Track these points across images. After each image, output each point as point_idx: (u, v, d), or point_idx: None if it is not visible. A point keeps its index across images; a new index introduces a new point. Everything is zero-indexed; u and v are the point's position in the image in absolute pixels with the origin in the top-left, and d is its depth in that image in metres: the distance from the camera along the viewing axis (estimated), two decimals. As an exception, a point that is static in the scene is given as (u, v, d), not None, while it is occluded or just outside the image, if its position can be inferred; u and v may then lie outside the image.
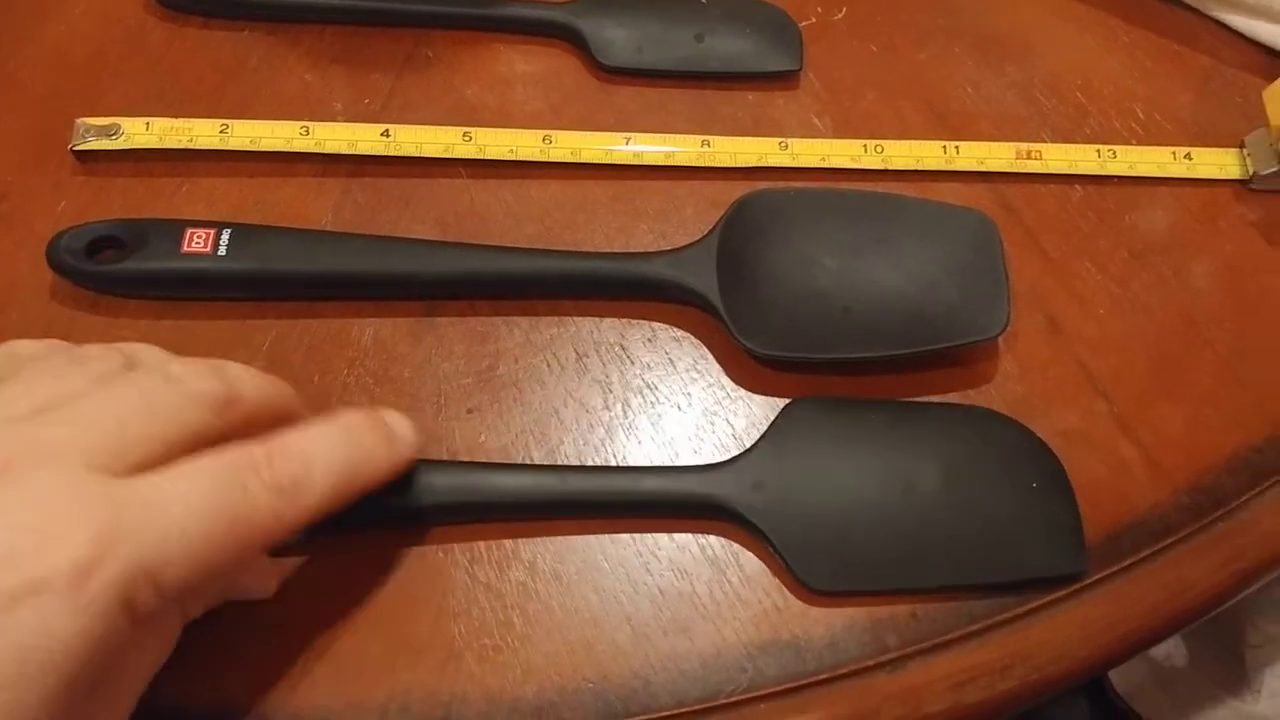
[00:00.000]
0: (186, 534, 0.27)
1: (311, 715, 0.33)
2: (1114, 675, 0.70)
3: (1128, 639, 0.37)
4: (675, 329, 0.41)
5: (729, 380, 0.40)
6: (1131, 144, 0.45)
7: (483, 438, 0.38)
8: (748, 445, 0.38)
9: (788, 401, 0.39)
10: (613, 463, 0.38)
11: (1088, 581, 0.37)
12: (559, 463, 0.38)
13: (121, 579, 0.25)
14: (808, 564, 0.36)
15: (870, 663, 0.35)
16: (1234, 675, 0.65)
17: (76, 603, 0.25)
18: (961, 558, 0.36)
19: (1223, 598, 0.38)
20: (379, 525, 0.36)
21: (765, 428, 0.38)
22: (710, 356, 0.41)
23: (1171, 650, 0.70)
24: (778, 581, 0.36)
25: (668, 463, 0.38)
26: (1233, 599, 0.38)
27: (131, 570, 0.26)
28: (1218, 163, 0.45)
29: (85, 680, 0.25)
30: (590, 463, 0.38)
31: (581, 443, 0.39)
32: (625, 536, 0.37)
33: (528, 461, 0.38)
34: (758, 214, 0.41)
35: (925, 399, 0.40)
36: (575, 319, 0.41)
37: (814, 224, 0.41)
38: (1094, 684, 0.71)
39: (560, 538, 0.37)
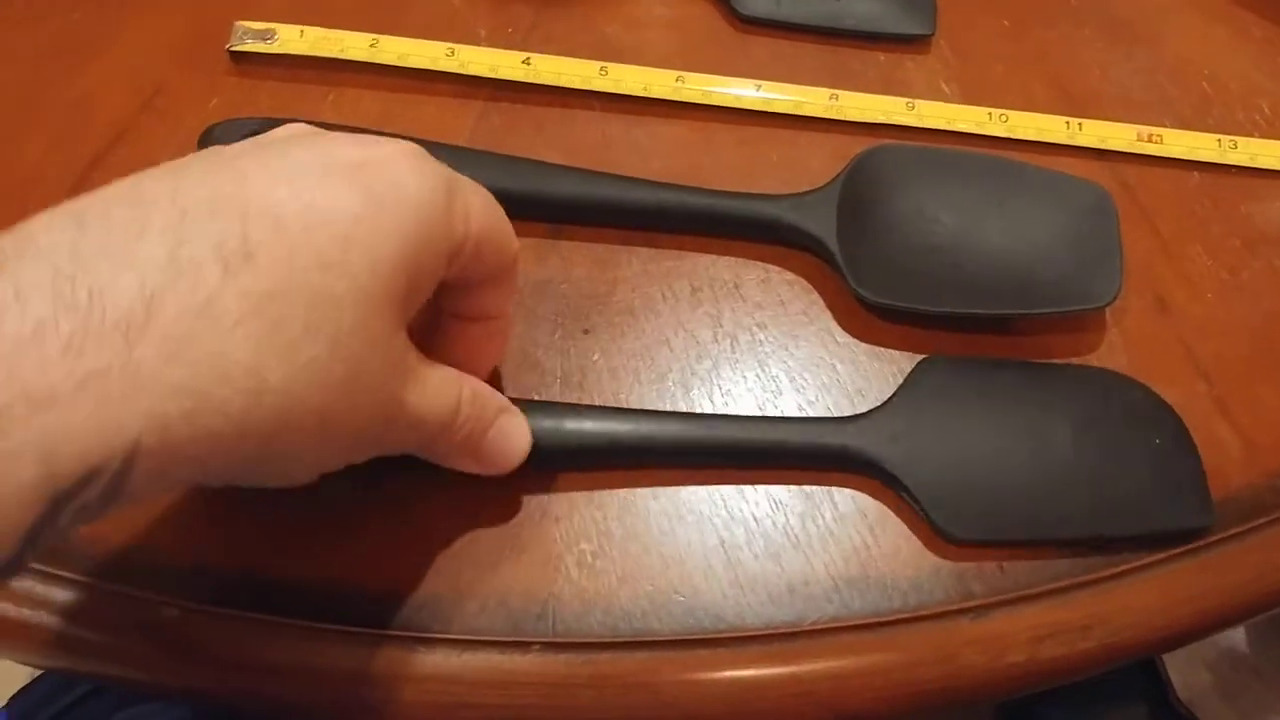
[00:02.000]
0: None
1: (416, 600, 0.34)
2: (1177, 681, 0.69)
3: (1209, 614, 0.36)
4: (789, 273, 0.41)
5: (838, 326, 0.40)
6: (1254, 136, 0.45)
7: (596, 357, 0.39)
8: (850, 390, 0.39)
9: (920, 358, 0.38)
10: (717, 395, 0.39)
11: (1174, 553, 0.36)
12: (667, 389, 0.38)
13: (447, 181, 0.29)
14: (945, 513, 0.36)
15: (954, 608, 0.35)
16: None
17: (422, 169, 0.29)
18: (1094, 511, 0.36)
19: (1310, 584, 0.37)
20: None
21: (870, 375, 0.38)
22: (821, 302, 0.41)
23: (1239, 662, 0.69)
24: (869, 521, 0.36)
25: (770, 400, 0.39)
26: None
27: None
28: (1341, 162, 0.44)
29: (412, 262, 0.28)
30: (695, 393, 0.39)
31: (689, 372, 0.39)
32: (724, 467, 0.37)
33: (635, 385, 0.38)
34: (881, 167, 0.41)
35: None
36: (693, 254, 0.41)
37: (935, 182, 0.41)
38: (1154, 688, 0.70)
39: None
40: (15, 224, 0.25)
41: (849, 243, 0.40)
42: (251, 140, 0.29)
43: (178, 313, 0.23)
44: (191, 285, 0.24)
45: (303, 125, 0.32)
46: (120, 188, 0.25)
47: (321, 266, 0.26)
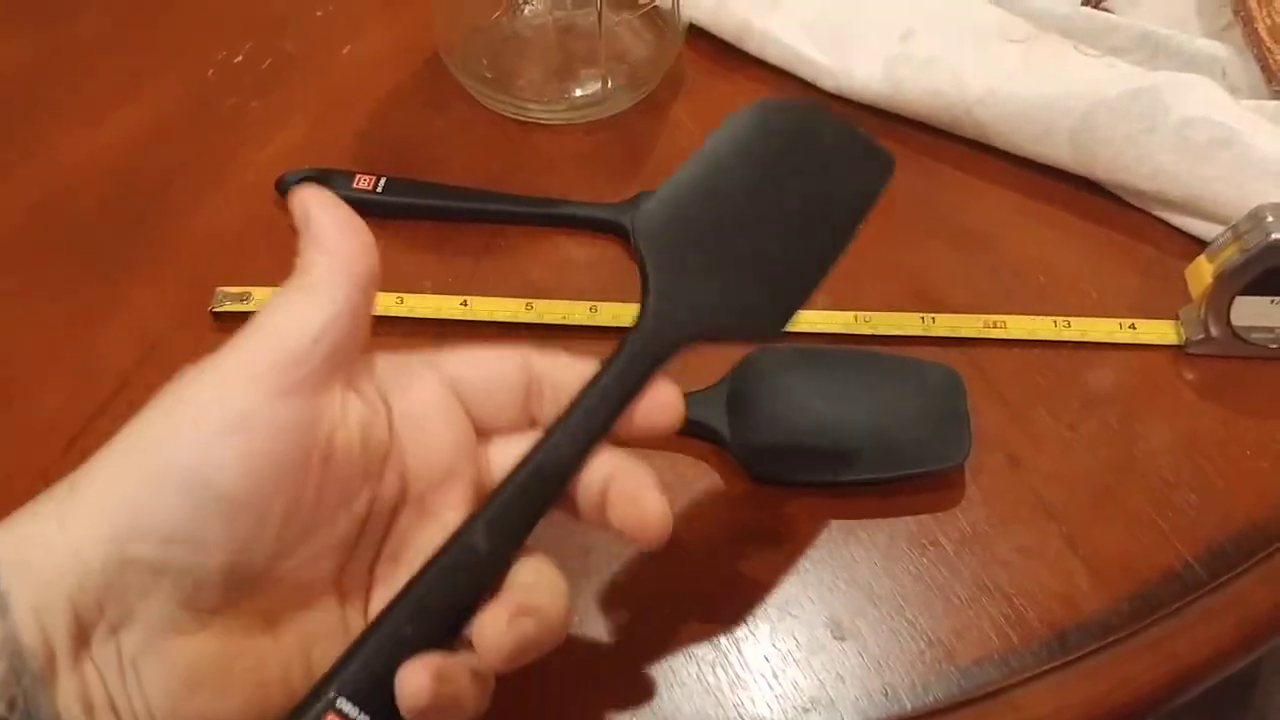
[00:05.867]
0: None
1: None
2: None
3: (1073, 727, 0.41)
4: (690, 457, 0.47)
5: (733, 497, 0.46)
6: (1084, 315, 0.51)
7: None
8: (750, 550, 0.44)
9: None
10: (634, 564, 0.44)
11: (1037, 672, 0.41)
12: (591, 561, 0.43)
13: None
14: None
15: (844, 734, 0.40)
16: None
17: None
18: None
19: (1159, 696, 0.41)
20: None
21: (765, 536, 0.44)
22: (719, 479, 0.46)
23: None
24: (763, 670, 0.41)
25: (685, 568, 0.44)
26: (1170, 700, 0.42)
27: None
28: (1157, 332, 0.50)
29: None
30: (614, 562, 0.44)
31: (614, 550, 0.44)
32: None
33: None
34: (760, 366, 0.47)
35: (900, 519, 0.45)
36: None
37: (807, 374, 0.47)
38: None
39: None
40: (37, 459, 0.31)
41: (738, 429, 0.46)
42: None
43: None
44: None
45: None
46: None
47: None
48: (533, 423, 0.37)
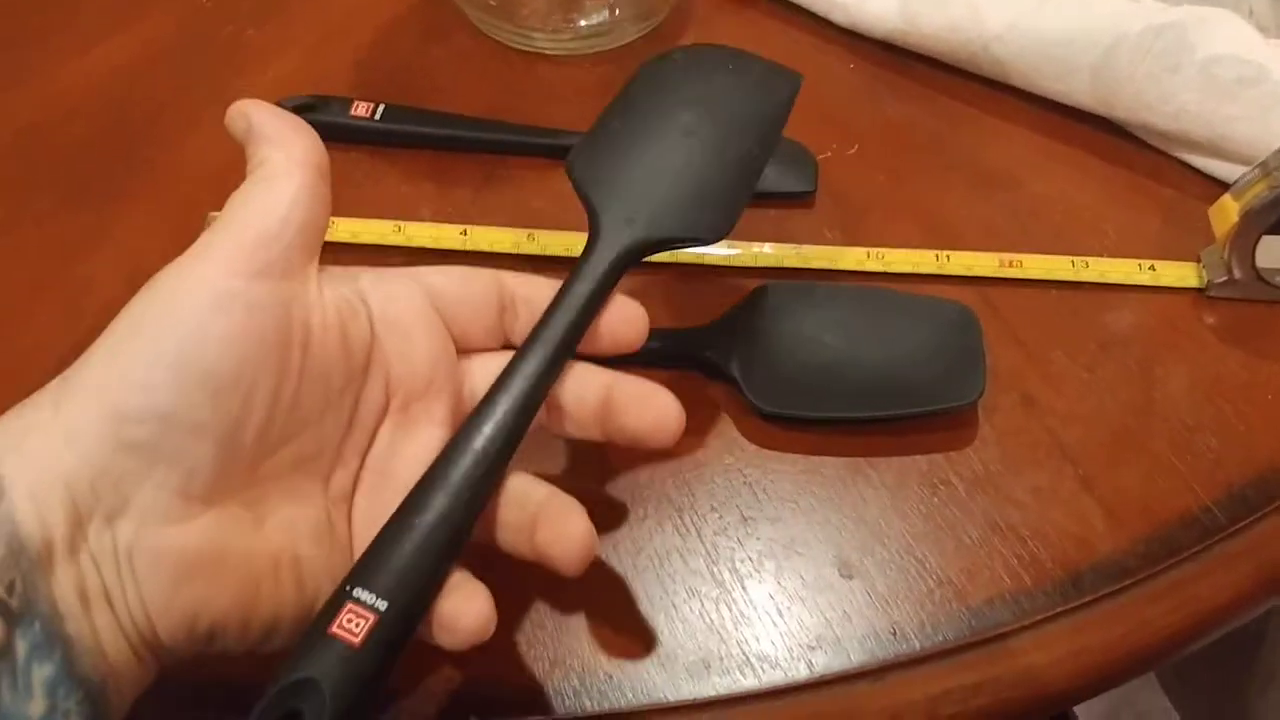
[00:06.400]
0: None
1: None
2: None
3: (1089, 670, 0.39)
4: (697, 392, 0.45)
5: (741, 436, 0.44)
6: (1103, 256, 0.50)
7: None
8: (756, 489, 0.42)
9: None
10: (639, 497, 0.42)
11: (1053, 613, 0.40)
12: (589, 489, 0.42)
13: None
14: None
15: (855, 672, 0.38)
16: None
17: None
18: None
19: (1176, 640, 0.40)
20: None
21: (773, 475, 0.43)
22: (727, 417, 0.45)
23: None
24: (776, 604, 0.40)
25: (687, 504, 0.42)
26: (1187, 645, 0.41)
27: None
28: (1178, 274, 0.49)
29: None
30: (615, 498, 0.42)
31: (610, 477, 0.43)
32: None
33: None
34: (770, 300, 0.46)
35: (910, 458, 0.44)
36: (614, 385, 0.46)
37: (817, 310, 0.46)
38: None
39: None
40: (24, 387, 0.31)
41: (746, 365, 0.44)
42: None
43: None
44: None
45: None
46: None
47: None
48: (507, 344, 0.38)
